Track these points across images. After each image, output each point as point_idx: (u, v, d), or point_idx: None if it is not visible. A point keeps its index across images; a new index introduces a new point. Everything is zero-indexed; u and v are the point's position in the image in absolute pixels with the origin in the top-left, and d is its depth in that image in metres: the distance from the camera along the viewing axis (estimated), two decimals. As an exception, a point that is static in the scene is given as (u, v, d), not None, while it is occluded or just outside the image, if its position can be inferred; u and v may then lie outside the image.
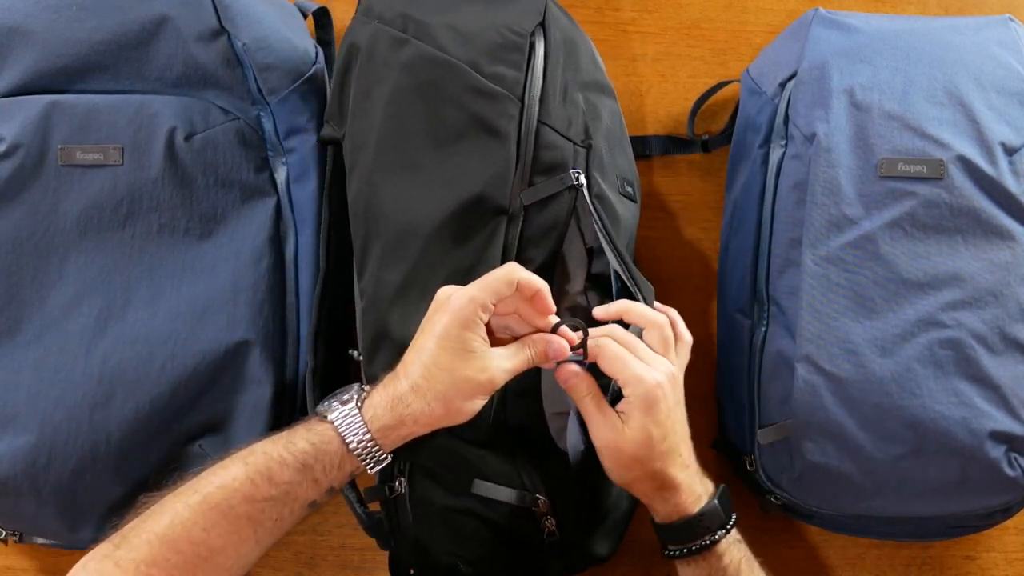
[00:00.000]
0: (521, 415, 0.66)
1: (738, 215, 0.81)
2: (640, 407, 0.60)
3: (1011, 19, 0.79)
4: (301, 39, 0.79)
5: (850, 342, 0.70)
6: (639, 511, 0.78)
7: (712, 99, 0.91)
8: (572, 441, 0.67)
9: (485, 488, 0.65)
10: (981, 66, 0.74)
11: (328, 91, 0.79)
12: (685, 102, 0.93)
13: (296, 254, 0.76)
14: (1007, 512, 0.75)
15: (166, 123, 0.71)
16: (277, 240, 0.75)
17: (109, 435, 0.68)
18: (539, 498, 0.65)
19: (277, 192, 0.75)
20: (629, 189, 0.75)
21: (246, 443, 0.58)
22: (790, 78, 0.78)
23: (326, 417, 0.58)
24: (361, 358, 0.71)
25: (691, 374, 0.86)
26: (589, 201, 0.67)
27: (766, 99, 0.80)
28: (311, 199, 0.77)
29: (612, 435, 0.60)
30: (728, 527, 0.63)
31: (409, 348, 0.60)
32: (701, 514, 0.62)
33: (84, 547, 0.73)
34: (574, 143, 0.68)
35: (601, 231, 0.67)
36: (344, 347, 0.78)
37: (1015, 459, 0.70)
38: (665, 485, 0.61)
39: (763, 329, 0.76)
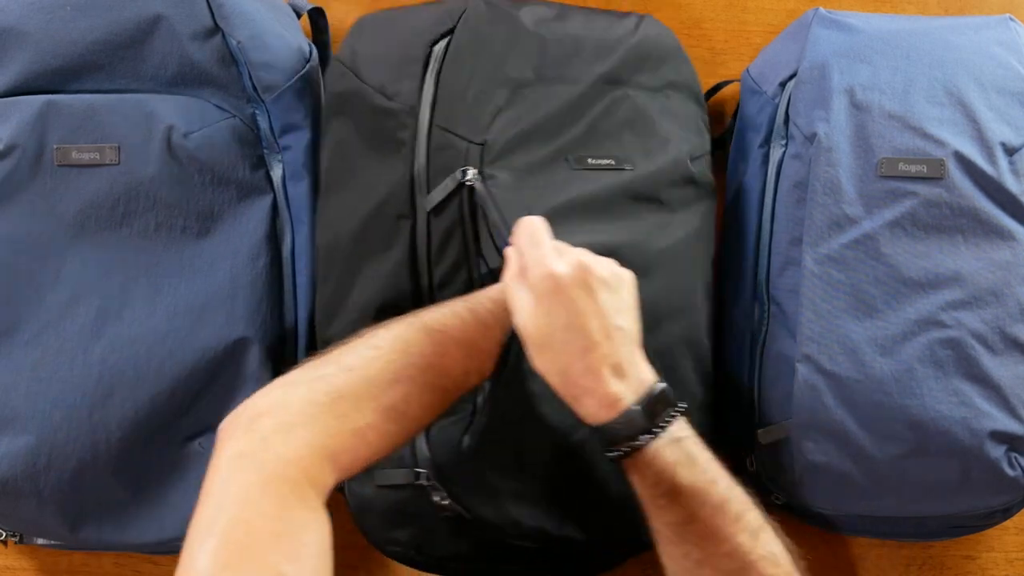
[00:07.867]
0: None
1: (738, 215, 0.81)
2: (533, 293, 0.55)
3: (1011, 19, 0.78)
4: (295, 37, 0.79)
5: (850, 342, 0.70)
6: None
7: (712, 99, 0.91)
8: None
9: (384, 476, 0.66)
10: (981, 66, 0.74)
11: (323, 89, 0.80)
12: (685, 102, 0.93)
13: (293, 251, 0.76)
14: (1007, 512, 0.75)
15: (162, 122, 0.71)
16: (274, 237, 0.75)
17: (109, 435, 0.68)
18: (420, 471, 0.64)
19: (273, 190, 0.75)
20: (602, 162, 0.72)
21: None
22: (790, 78, 0.78)
23: None
24: None
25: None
26: (485, 191, 0.66)
27: (766, 99, 0.80)
28: (307, 196, 0.77)
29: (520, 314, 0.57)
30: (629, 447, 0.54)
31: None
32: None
33: (85, 547, 0.74)
34: (469, 141, 0.68)
35: (494, 210, 0.65)
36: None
37: (1015, 459, 0.70)
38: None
39: (763, 329, 0.76)
